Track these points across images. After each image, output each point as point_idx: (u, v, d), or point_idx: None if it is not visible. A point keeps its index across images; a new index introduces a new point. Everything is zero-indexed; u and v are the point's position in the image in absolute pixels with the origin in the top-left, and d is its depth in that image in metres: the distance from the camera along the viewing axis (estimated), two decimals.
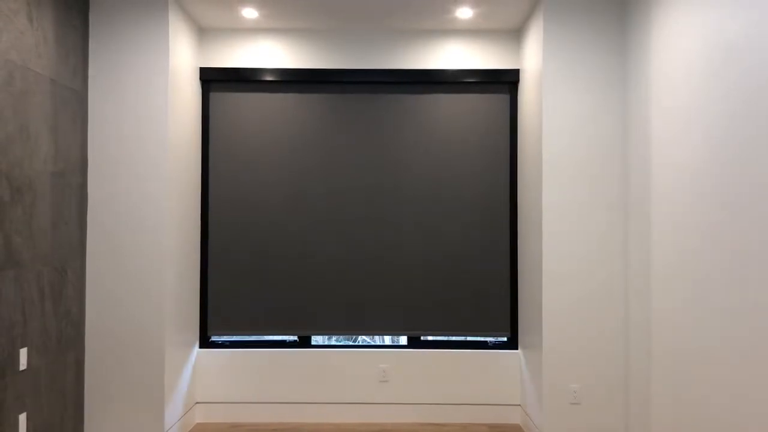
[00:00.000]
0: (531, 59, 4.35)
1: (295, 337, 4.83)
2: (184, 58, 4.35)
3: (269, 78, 4.71)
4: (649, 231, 3.62)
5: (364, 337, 5.97)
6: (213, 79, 4.72)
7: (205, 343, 4.74)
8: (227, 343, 4.79)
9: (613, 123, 4.05)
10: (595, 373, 4.02)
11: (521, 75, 4.64)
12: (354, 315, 4.77)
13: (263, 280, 4.74)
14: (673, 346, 3.30)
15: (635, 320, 3.83)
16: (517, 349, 4.72)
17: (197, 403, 4.66)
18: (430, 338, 5.34)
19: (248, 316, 4.74)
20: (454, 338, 4.97)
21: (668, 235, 3.37)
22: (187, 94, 4.44)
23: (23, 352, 3.32)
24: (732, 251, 2.75)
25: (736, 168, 2.73)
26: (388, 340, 5.99)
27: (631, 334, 3.89)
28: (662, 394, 3.44)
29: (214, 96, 4.74)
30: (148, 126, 4.04)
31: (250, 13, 4.38)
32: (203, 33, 4.70)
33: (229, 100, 4.75)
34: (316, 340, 4.95)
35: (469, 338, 4.91)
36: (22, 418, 3.31)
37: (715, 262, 2.89)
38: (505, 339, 4.81)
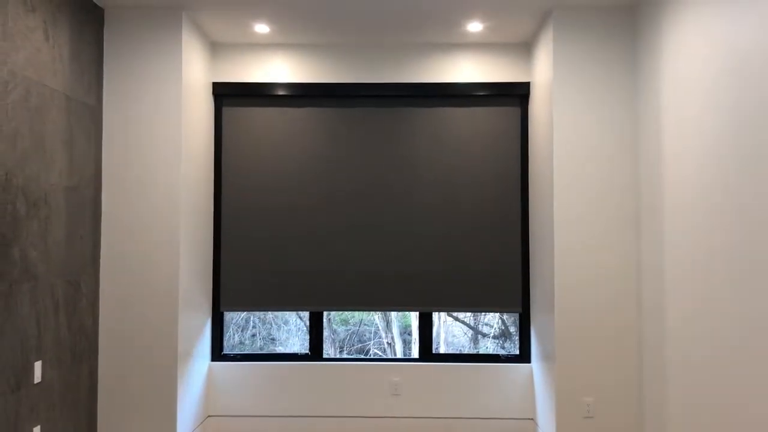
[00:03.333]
0: (541, 72, 4.36)
1: (307, 351, 4.83)
2: (196, 74, 4.40)
3: (281, 92, 4.75)
4: (661, 241, 3.60)
5: (377, 351, 5.97)
6: (225, 94, 4.76)
7: (218, 356, 4.76)
8: (239, 356, 4.80)
9: (624, 133, 4.05)
10: (609, 386, 3.99)
11: (532, 88, 4.64)
12: (366, 291, 4.75)
13: (276, 267, 4.75)
14: (688, 358, 3.27)
15: (649, 332, 3.80)
16: (529, 362, 4.69)
17: (209, 416, 4.66)
18: (441, 351, 5.33)
19: (262, 299, 4.76)
20: (466, 351, 4.95)
21: (681, 246, 3.35)
22: (200, 108, 4.49)
23: (38, 365, 3.35)
24: (746, 259, 2.73)
25: (748, 176, 2.71)
26: (399, 353, 5.98)
27: (645, 347, 3.86)
28: (678, 408, 3.41)
29: (226, 110, 4.79)
30: (162, 140, 4.09)
31: (261, 28, 4.43)
32: (216, 48, 4.75)
33: (241, 115, 4.79)
34: (327, 353, 4.95)
35: (482, 352, 4.89)
36: (37, 430, 3.34)
37: (729, 271, 2.87)
38: (517, 352, 4.79)
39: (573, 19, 4.07)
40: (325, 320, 4.96)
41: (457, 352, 5.70)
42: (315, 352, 4.83)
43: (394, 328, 6.05)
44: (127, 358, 4.04)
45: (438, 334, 5.78)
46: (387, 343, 6.06)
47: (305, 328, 5.38)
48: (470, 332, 6.05)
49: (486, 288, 4.71)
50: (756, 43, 2.67)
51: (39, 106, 3.39)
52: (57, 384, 3.55)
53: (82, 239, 3.84)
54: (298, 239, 4.75)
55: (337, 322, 6.08)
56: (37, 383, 3.35)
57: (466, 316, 6.08)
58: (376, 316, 6.08)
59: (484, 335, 5.97)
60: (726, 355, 2.89)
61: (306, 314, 5.12)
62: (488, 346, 5.83)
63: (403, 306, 4.82)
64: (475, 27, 4.40)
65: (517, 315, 4.82)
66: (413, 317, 5.89)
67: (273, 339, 5.80)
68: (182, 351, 4.12)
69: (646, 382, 3.85)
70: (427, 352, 4.83)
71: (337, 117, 4.81)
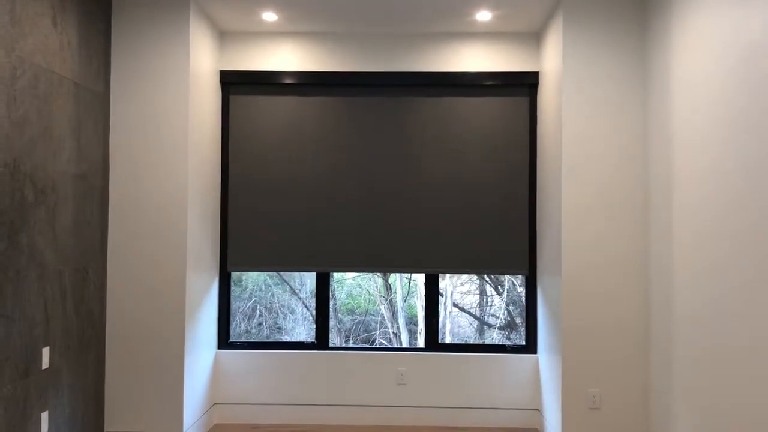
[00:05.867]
0: (550, 61, 4.33)
1: (313, 339, 4.84)
2: (204, 61, 4.39)
3: (288, 81, 4.73)
4: (670, 233, 3.58)
5: (383, 340, 5.98)
6: (233, 82, 4.74)
7: (225, 344, 4.78)
8: (246, 345, 4.81)
9: (634, 124, 4.02)
10: (616, 377, 3.98)
11: (541, 77, 4.61)
12: (373, 253, 4.75)
13: (283, 232, 4.75)
14: (695, 349, 3.26)
15: (657, 324, 3.79)
16: (535, 353, 4.69)
17: (216, 403, 4.69)
18: (447, 341, 5.33)
19: (270, 261, 4.77)
20: (472, 342, 4.95)
21: (690, 238, 3.33)
22: (208, 96, 4.48)
23: (45, 351, 3.37)
24: (756, 253, 2.71)
25: (761, 170, 2.69)
26: (405, 343, 5.99)
27: (653, 339, 3.85)
28: (684, 400, 3.40)
29: (233, 99, 4.77)
30: (169, 128, 4.09)
31: (269, 16, 4.41)
32: (223, 36, 4.73)
33: (248, 103, 4.78)
34: (333, 342, 4.97)
35: (487, 342, 4.89)
36: (44, 416, 3.36)
37: (739, 265, 2.85)
38: (523, 343, 4.78)
39: (582, 8, 4.04)
40: (331, 310, 4.97)
41: (463, 342, 5.70)
42: (321, 341, 4.84)
43: (399, 318, 6.06)
44: (135, 344, 4.05)
45: (444, 324, 5.79)
46: (393, 333, 6.07)
47: (311, 318, 5.39)
48: (476, 323, 6.05)
49: (493, 253, 4.72)
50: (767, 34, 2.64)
51: (47, 93, 3.39)
52: (65, 370, 3.57)
53: (90, 226, 3.85)
54: (304, 205, 4.75)
55: (343, 312, 6.10)
56: (45, 369, 3.37)
57: (472, 307, 6.08)
58: (383, 306, 6.09)
59: (490, 326, 5.97)
60: (735, 349, 2.88)
61: (312, 303, 5.13)
62: (494, 337, 5.83)
63: (409, 267, 4.84)
64: (483, 16, 4.37)
65: (523, 306, 4.81)
66: (419, 307, 5.89)
67: (279, 328, 5.82)
68: (189, 338, 4.14)
69: (652, 374, 3.84)
70: (433, 342, 4.83)
71: (345, 106, 4.79)
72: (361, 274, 6.17)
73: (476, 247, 4.71)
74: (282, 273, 5.77)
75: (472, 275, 6.05)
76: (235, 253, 4.77)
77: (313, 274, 4.90)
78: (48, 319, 3.40)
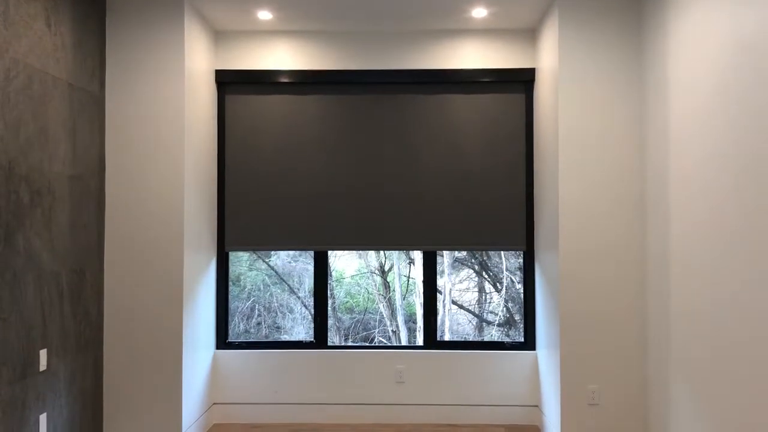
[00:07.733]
0: (546, 58, 4.33)
1: (312, 338, 4.83)
2: (199, 61, 4.38)
3: (284, 80, 4.72)
4: (667, 230, 3.58)
5: (382, 339, 5.97)
6: (228, 82, 4.73)
7: (223, 343, 4.77)
8: (244, 344, 4.81)
9: (630, 121, 4.01)
10: (614, 373, 3.98)
11: (537, 74, 4.60)
12: (370, 231, 4.76)
13: (280, 211, 4.76)
14: (693, 343, 3.26)
15: (654, 320, 3.79)
16: (534, 349, 4.69)
17: (215, 403, 4.68)
18: (446, 339, 5.32)
19: (266, 238, 4.78)
20: (471, 339, 4.94)
21: (687, 235, 3.33)
22: (203, 96, 4.47)
23: (43, 353, 3.36)
24: (752, 245, 2.71)
25: (756, 163, 2.68)
26: (404, 341, 5.98)
27: (651, 333, 3.85)
28: (682, 396, 3.40)
29: (229, 98, 4.76)
30: (165, 128, 4.08)
31: (265, 15, 4.40)
32: (219, 35, 4.72)
33: (244, 102, 4.77)
34: (332, 341, 4.96)
35: (486, 339, 4.88)
36: (43, 418, 3.35)
37: (737, 261, 2.85)
38: (522, 340, 4.78)
39: (578, 4, 4.03)
40: (329, 308, 4.96)
41: (462, 340, 5.70)
42: (320, 340, 4.83)
43: (398, 316, 6.06)
44: (133, 346, 4.05)
45: (443, 322, 5.79)
46: (392, 331, 6.07)
47: (310, 317, 5.38)
48: (475, 320, 6.05)
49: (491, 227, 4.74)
50: (765, 30, 2.63)
51: (42, 95, 3.38)
52: (62, 372, 3.56)
53: (87, 228, 3.84)
54: (303, 196, 4.76)
55: (342, 310, 6.09)
56: (43, 371, 3.37)
57: (471, 304, 6.08)
58: (381, 305, 6.08)
59: (489, 323, 5.97)
60: (733, 345, 2.87)
61: (311, 302, 5.13)
62: (493, 334, 5.83)
63: (407, 245, 4.85)
64: (479, 13, 4.36)
65: (521, 303, 4.80)
66: (418, 305, 5.89)
67: (278, 327, 5.81)
68: (187, 338, 4.13)
69: (651, 368, 3.84)
70: (432, 340, 4.82)
71: (341, 104, 4.78)
72: (359, 272, 6.18)
73: (474, 226, 4.71)
74: (281, 273, 5.77)
75: (471, 273, 6.05)
76: (233, 234, 4.77)
77: (312, 274, 4.90)
78: (45, 321, 3.40)
